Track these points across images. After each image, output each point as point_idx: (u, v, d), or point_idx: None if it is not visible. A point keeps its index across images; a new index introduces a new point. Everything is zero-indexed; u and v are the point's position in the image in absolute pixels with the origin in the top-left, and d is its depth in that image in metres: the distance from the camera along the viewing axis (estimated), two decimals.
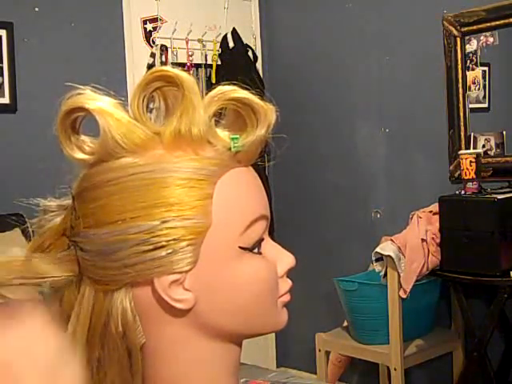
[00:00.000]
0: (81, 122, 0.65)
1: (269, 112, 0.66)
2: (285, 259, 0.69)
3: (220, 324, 0.66)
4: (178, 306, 0.63)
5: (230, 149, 0.65)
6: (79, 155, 0.65)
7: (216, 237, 0.63)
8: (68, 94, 0.64)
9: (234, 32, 3.55)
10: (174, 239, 0.61)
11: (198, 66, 3.48)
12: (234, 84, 0.66)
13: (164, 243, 0.61)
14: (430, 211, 2.78)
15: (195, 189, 0.62)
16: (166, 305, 0.63)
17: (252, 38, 3.71)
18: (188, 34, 3.43)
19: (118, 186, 0.62)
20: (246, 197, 0.66)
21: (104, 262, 0.63)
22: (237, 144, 0.65)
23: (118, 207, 0.62)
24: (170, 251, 0.62)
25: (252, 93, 0.66)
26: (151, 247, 0.61)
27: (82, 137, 0.66)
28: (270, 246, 0.69)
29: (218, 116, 0.67)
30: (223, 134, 0.66)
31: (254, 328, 0.68)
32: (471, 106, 3.00)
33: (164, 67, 0.64)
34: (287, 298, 0.70)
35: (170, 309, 0.64)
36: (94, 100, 0.63)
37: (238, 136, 0.66)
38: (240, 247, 0.65)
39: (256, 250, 0.66)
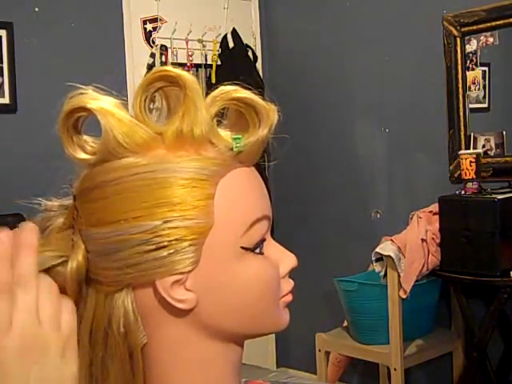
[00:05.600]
0: (83, 121, 0.65)
1: (271, 112, 0.66)
2: (287, 259, 0.69)
3: (222, 324, 0.66)
4: (180, 306, 0.63)
5: (232, 149, 0.65)
6: (81, 155, 0.65)
7: (218, 237, 0.63)
8: (70, 93, 0.64)
9: (234, 32, 3.54)
10: (176, 239, 0.61)
11: (197, 66, 3.48)
12: (236, 84, 0.66)
13: (166, 243, 0.61)
14: (430, 211, 2.78)
15: (197, 189, 0.62)
16: (168, 305, 0.63)
17: (252, 38, 3.70)
18: (188, 34, 3.43)
19: (119, 186, 0.62)
20: (247, 197, 0.66)
21: (106, 262, 0.63)
22: (239, 144, 0.65)
23: (120, 207, 0.62)
24: (171, 251, 0.61)
25: (254, 93, 0.66)
26: (153, 247, 0.61)
27: (84, 137, 0.66)
28: (272, 247, 0.69)
29: (220, 116, 0.67)
30: (225, 134, 0.66)
31: (256, 328, 0.68)
32: (471, 106, 3.00)
33: (166, 67, 0.64)
34: (289, 298, 0.70)
35: (171, 309, 0.64)
36: (96, 100, 0.63)
37: (240, 136, 0.65)
38: (242, 247, 0.65)
39: (258, 251, 0.66)
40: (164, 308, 0.64)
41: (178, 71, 0.63)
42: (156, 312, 0.64)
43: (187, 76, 0.63)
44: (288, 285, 0.70)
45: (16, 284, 0.57)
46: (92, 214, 0.63)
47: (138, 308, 0.64)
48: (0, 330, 0.56)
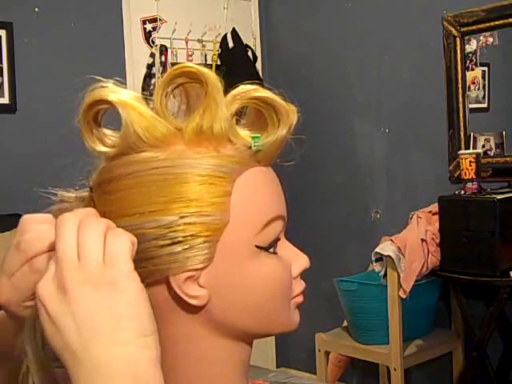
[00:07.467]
0: (103, 114, 0.66)
1: (291, 112, 0.67)
2: (300, 260, 0.70)
3: (232, 322, 0.66)
4: (192, 302, 0.63)
5: (250, 148, 0.65)
6: (101, 148, 0.66)
7: (233, 235, 0.63)
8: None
9: (234, 32, 3.54)
10: (191, 235, 0.62)
11: None
12: (257, 84, 0.67)
13: (181, 239, 0.61)
14: (430, 211, 2.78)
15: (214, 186, 0.63)
16: (180, 301, 0.64)
17: (252, 38, 3.70)
18: (188, 34, 3.43)
19: (137, 180, 0.63)
20: (264, 196, 0.66)
21: None
22: (257, 143, 0.65)
23: (136, 200, 0.62)
24: (186, 247, 0.62)
25: (274, 93, 0.66)
26: (168, 242, 0.61)
27: (104, 129, 0.66)
28: (285, 247, 0.69)
29: (239, 115, 0.67)
30: (244, 132, 0.66)
31: (266, 328, 0.68)
32: (471, 106, 3.00)
33: (188, 63, 0.64)
34: (300, 299, 0.70)
35: (184, 305, 0.64)
36: (117, 93, 0.63)
37: (259, 135, 0.66)
38: (256, 246, 0.65)
39: (272, 250, 0.67)
40: (176, 304, 0.64)
41: (200, 68, 0.63)
42: (168, 307, 0.64)
43: (209, 73, 0.63)
44: (299, 286, 0.70)
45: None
46: (108, 207, 0.64)
47: (150, 302, 0.64)
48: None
